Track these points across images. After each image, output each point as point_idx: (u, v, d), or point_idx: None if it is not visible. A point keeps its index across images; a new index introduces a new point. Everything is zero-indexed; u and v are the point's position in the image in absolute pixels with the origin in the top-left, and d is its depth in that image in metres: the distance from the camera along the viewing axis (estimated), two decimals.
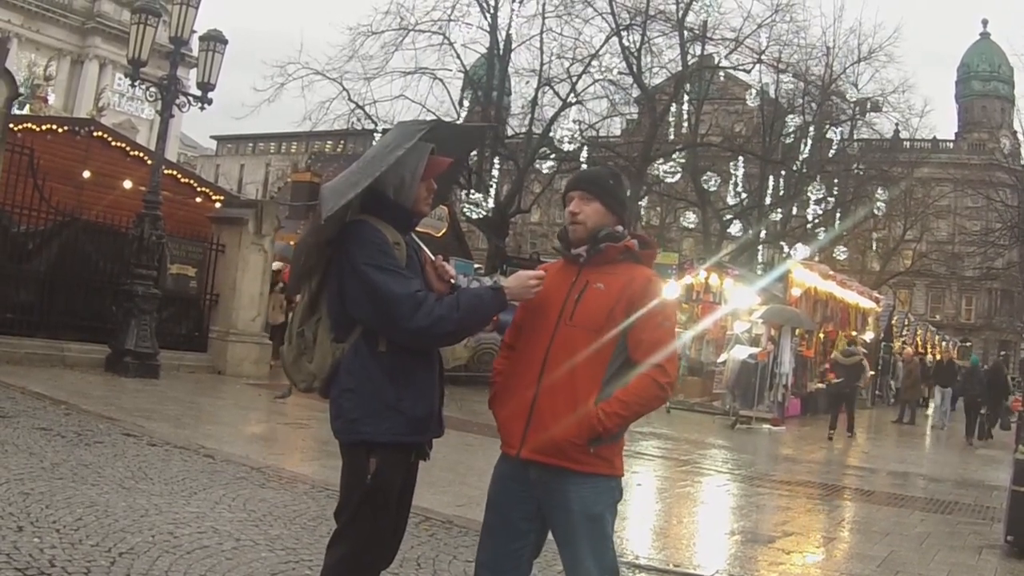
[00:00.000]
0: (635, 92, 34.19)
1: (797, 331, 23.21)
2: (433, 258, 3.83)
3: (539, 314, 3.83)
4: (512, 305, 3.76)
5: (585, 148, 31.14)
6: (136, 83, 16.20)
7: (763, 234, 39.51)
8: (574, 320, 3.71)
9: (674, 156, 32.19)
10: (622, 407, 3.61)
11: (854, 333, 30.34)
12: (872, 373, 28.68)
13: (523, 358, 3.84)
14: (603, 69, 30.52)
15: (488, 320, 3.67)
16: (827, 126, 38.80)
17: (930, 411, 28.40)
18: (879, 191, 38.55)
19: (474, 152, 26.84)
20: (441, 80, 30.92)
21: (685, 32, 32.91)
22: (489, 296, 3.67)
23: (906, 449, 20.83)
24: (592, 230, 3.82)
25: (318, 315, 3.74)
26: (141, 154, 20.54)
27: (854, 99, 38.69)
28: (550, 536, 3.87)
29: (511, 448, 3.78)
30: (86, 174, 18.93)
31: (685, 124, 35.75)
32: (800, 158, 37.50)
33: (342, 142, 47.13)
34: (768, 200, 38.19)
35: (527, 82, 32.53)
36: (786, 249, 37.50)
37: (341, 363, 3.64)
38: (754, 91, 35.64)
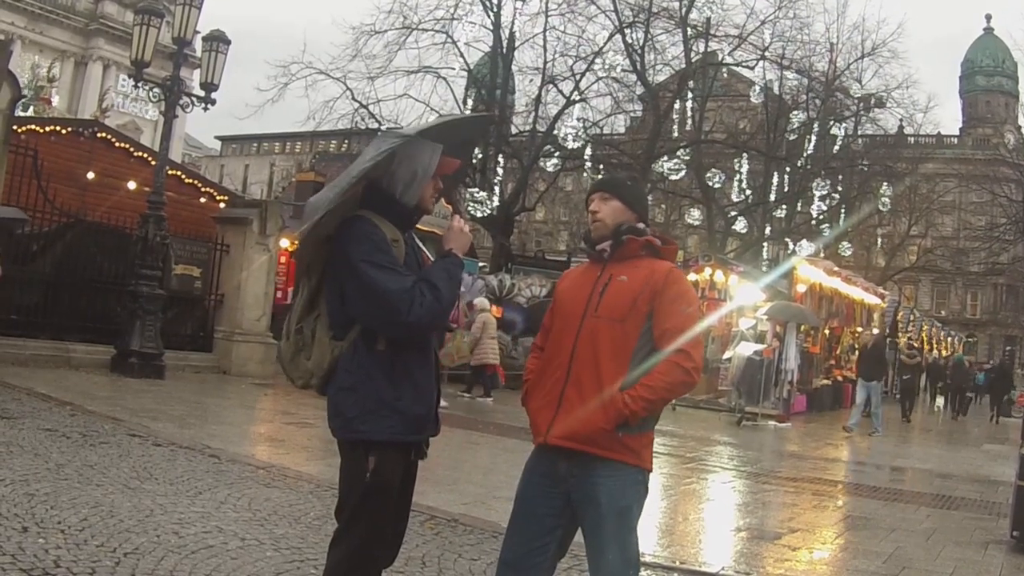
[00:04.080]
0: (639, 89, 34.21)
1: (802, 327, 23.17)
2: (433, 259, 3.85)
3: (567, 312, 3.95)
4: (467, 260, 3.81)
5: (589, 146, 31.17)
6: (139, 84, 16.21)
7: (768, 231, 39.48)
8: (599, 312, 3.80)
9: (678, 153, 32.21)
10: (647, 391, 3.67)
11: (859, 329, 30.35)
12: None
13: (552, 353, 3.94)
14: (607, 67, 30.50)
15: (459, 281, 3.76)
16: (831, 122, 38.74)
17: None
18: (884, 187, 38.48)
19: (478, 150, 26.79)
20: (445, 79, 30.98)
21: (688, 29, 32.95)
22: (447, 263, 3.75)
23: (911, 445, 20.80)
24: (613, 226, 3.95)
25: (317, 312, 3.76)
26: (145, 155, 20.57)
27: (858, 95, 38.65)
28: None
29: (539, 436, 3.85)
30: (90, 175, 18.95)
31: (689, 121, 35.69)
32: (804, 154, 37.48)
33: (346, 141, 47.10)
34: (773, 197, 38.18)
35: (531, 80, 32.62)
36: (791, 245, 37.50)
37: (339, 361, 3.65)
38: (758, 88, 35.65)
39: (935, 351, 44.85)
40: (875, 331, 21.61)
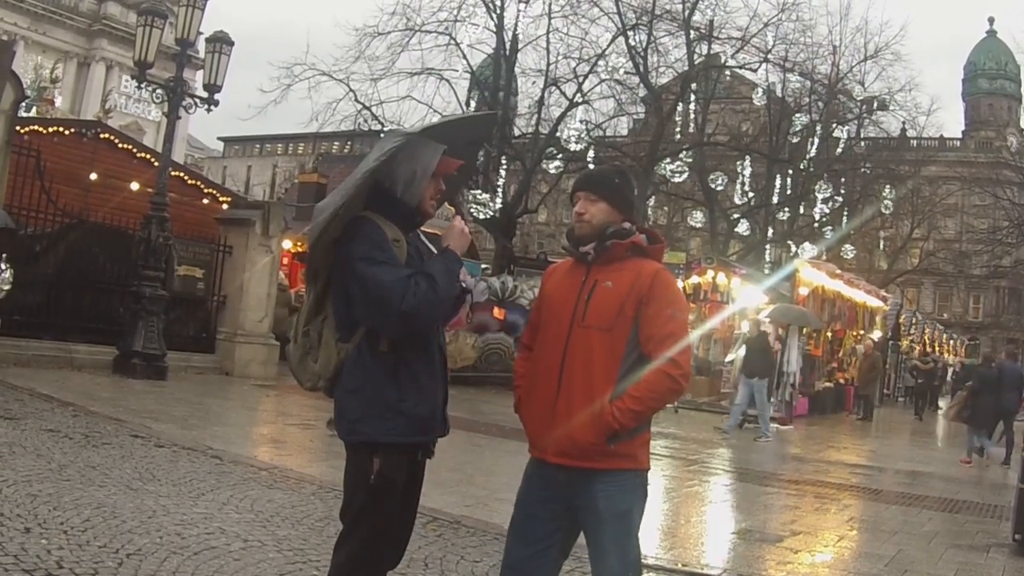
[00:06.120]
0: (641, 92, 34.17)
1: (805, 330, 23.16)
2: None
3: (553, 316, 3.90)
4: (470, 262, 3.77)
5: (592, 148, 31.12)
6: (142, 85, 16.21)
7: (770, 233, 39.46)
8: (586, 321, 3.75)
9: (681, 155, 32.14)
10: (635, 403, 3.65)
11: (862, 332, 30.35)
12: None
13: (542, 362, 3.89)
14: (609, 69, 30.45)
15: (456, 276, 3.70)
16: (834, 125, 38.69)
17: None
18: (886, 190, 38.42)
19: (481, 153, 26.76)
20: (448, 81, 30.94)
21: (691, 31, 32.91)
22: (447, 258, 3.71)
23: (913, 448, 20.80)
24: (598, 228, 3.86)
25: (324, 315, 3.75)
26: (148, 156, 20.58)
27: (861, 98, 38.57)
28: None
29: (539, 452, 3.86)
30: (93, 176, 18.95)
31: (692, 123, 35.69)
32: (807, 157, 37.43)
33: (349, 143, 47.15)
34: (775, 199, 38.15)
35: (533, 82, 32.51)
36: (793, 248, 37.46)
37: (344, 363, 3.65)
38: (760, 90, 35.63)
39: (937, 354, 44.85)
40: (762, 323, 20.17)
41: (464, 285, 3.83)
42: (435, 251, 3.85)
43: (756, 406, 18.25)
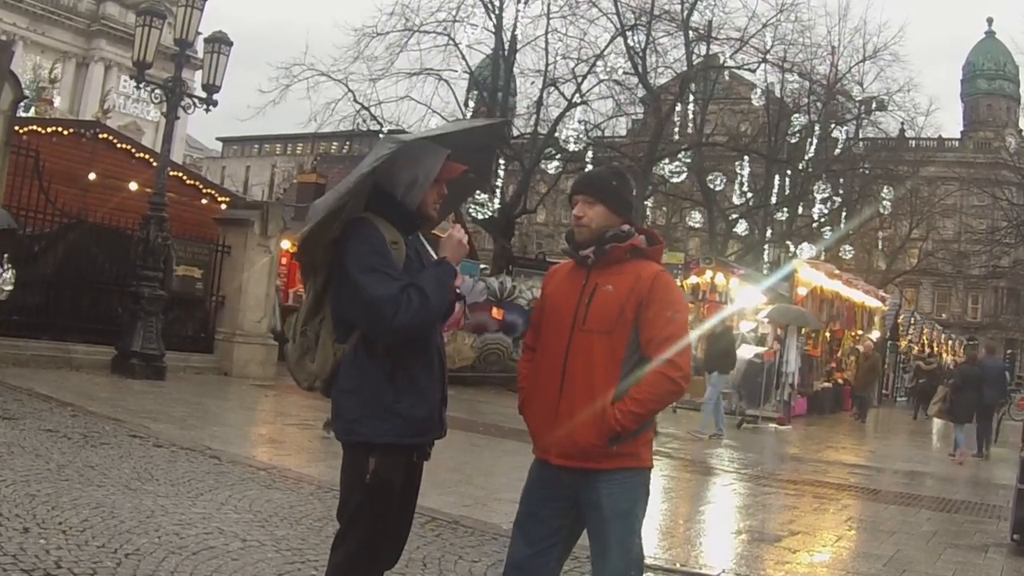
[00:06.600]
0: (640, 92, 34.11)
1: (803, 330, 23.16)
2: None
3: (554, 319, 3.93)
4: (468, 262, 3.75)
5: (590, 148, 31.09)
6: (141, 85, 16.21)
7: (769, 233, 39.44)
8: (587, 325, 3.78)
9: (680, 156, 32.10)
10: (636, 405, 3.68)
11: (860, 332, 30.37)
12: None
13: (544, 365, 3.94)
14: (608, 69, 30.38)
15: (450, 290, 3.69)
16: (832, 125, 38.71)
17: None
18: (885, 190, 38.42)
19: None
20: (446, 81, 30.87)
21: (690, 32, 32.86)
22: (441, 271, 3.69)
23: (912, 448, 20.81)
24: (597, 232, 3.88)
25: (322, 315, 3.74)
26: (147, 156, 20.60)
27: (859, 98, 38.62)
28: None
29: (542, 453, 3.91)
30: (92, 176, 18.96)
31: (690, 124, 35.64)
32: (806, 157, 37.43)
33: (348, 143, 47.07)
34: (774, 199, 38.14)
35: (532, 82, 32.41)
36: (792, 248, 37.46)
37: (341, 364, 3.65)
38: (759, 90, 35.61)
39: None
40: (727, 321, 19.82)
41: (458, 290, 3.83)
42: (434, 254, 3.84)
43: (710, 398, 17.68)
